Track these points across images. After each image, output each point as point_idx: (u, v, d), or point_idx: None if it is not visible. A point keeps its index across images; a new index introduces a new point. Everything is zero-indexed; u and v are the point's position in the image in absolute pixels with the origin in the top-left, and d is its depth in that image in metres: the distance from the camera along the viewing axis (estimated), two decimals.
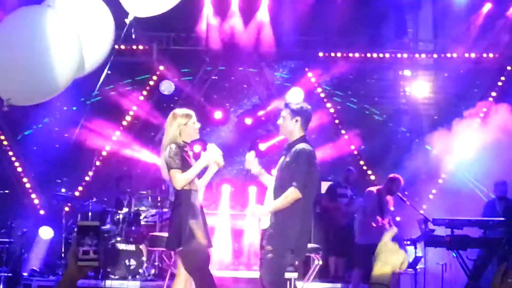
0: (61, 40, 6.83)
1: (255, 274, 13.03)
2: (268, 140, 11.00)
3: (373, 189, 12.63)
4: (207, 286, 7.77)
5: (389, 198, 12.44)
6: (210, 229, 13.53)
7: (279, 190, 7.64)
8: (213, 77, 16.45)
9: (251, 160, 7.92)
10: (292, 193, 7.46)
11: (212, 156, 7.89)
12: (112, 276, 12.07)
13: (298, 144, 7.63)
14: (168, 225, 8.16)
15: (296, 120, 7.71)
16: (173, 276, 11.10)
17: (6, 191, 14.26)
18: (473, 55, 16.02)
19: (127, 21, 7.48)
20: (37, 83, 6.89)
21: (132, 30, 7.65)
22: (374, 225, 11.96)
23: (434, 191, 15.14)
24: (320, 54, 16.23)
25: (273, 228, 7.62)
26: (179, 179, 7.66)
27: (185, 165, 7.73)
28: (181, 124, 7.84)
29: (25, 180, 14.95)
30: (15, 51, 6.72)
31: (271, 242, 7.57)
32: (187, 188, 7.75)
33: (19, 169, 15.00)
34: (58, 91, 7.22)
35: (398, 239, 12.00)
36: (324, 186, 14.27)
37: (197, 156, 8.10)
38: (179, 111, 8.05)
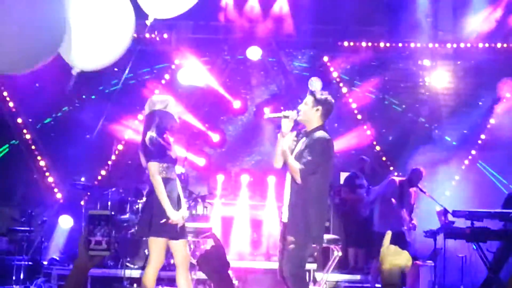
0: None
1: (274, 264, 13.10)
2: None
3: (396, 179, 12.62)
4: None
5: (412, 190, 12.42)
6: (229, 219, 13.70)
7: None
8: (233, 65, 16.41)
9: (293, 116, 7.89)
10: (296, 170, 7.50)
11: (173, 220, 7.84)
12: (131, 266, 12.09)
13: (316, 132, 7.65)
14: (142, 211, 8.15)
15: (317, 109, 7.73)
16: (192, 266, 11.18)
17: (26, 180, 14.36)
18: (493, 44, 15.90)
19: (148, 23, 7.45)
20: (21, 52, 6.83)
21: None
22: (394, 211, 11.99)
23: (453, 182, 15.07)
24: (339, 43, 16.16)
25: (294, 220, 7.64)
26: (153, 173, 7.68)
27: (164, 155, 7.73)
28: (159, 109, 7.82)
29: (44, 168, 14.97)
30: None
31: (293, 234, 7.60)
32: (163, 176, 7.77)
33: (39, 157, 15.02)
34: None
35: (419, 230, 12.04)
36: (343, 176, 14.25)
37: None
38: (156, 96, 8.05)
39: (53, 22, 6.71)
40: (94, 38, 6.61)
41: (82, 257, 3.66)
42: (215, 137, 15.95)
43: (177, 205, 7.89)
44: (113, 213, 3.41)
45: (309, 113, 7.78)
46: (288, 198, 7.79)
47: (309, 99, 7.82)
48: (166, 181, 7.78)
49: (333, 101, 7.90)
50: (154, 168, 7.69)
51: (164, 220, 7.70)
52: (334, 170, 13.19)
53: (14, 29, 6.34)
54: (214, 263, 3.54)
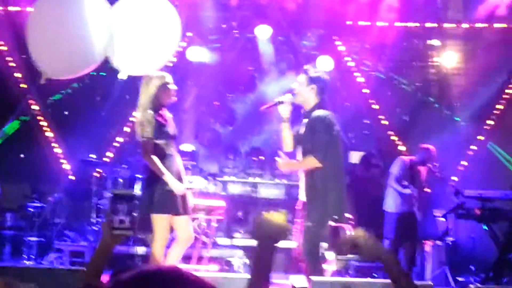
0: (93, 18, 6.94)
1: (285, 243, 13.13)
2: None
3: (406, 158, 12.62)
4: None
5: (421, 168, 12.41)
6: (240, 197, 13.70)
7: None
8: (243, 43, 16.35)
9: (289, 100, 7.86)
10: (309, 162, 7.51)
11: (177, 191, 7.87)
12: (144, 243, 12.11)
13: (315, 111, 7.63)
14: (142, 189, 8.17)
15: (312, 88, 7.71)
16: (204, 244, 11.21)
17: (37, 156, 14.36)
18: (504, 25, 15.82)
19: (119, 77, 7.56)
20: (72, 57, 6.98)
21: None
22: (403, 191, 12.00)
23: (464, 163, 15.07)
24: (348, 22, 16.10)
25: (312, 200, 7.66)
26: (146, 151, 7.69)
27: (160, 132, 7.76)
28: (155, 85, 7.82)
29: (55, 145, 14.97)
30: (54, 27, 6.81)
31: (313, 213, 7.62)
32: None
33: (49, 134, 15.01)
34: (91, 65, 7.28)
35: (428, 210, 12.08)
36: (355, 155, 14.25)
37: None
38: (153, 73, 8.04)
39: (99, 34, 6.86)
40: (143, 47, 6.76)
41: (105, 236, 3.67)
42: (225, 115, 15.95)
43: (177, 179, 7.91)
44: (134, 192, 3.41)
45: (304, 92, 7.75)
46: (304, 178, 7.80)
47: (302, 78, 7.79)
48: (165, 157, 7.80)
49: (327, 77, 7.88)
50: (147, 147, 7.69)
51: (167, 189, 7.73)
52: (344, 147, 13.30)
53: (65, 38, 6.49)
54: None
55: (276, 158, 7.89)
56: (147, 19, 6.98)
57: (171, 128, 7.98)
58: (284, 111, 7.82)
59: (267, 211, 3.67)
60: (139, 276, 2.17)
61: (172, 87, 7.99)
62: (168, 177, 7.76)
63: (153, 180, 7.82)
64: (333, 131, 7.62)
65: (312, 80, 7.73)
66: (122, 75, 7.33)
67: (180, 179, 8.02)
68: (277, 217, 3.64)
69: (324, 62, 15.37)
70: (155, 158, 7.68)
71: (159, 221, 7.82)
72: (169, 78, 7.95)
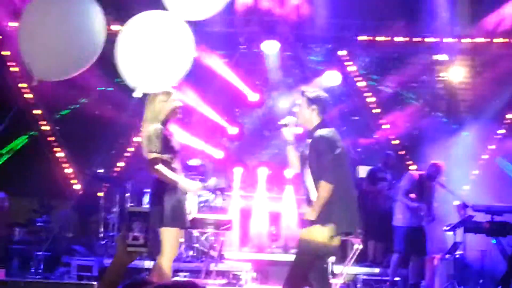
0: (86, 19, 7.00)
1: (292, 257, 13.12)
2: None
3: (415, 173, 12.62)
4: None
5: (430, 184, 12.40)
6: (247, 212, 13.73)
7: (316, 184, 7.67)
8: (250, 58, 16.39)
9: (292, 122, 7.88)
10: (324, 189, 7.46)
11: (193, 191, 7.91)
12: (151, 257, 12.10)
13: (316, 131, 7.62)
14: (150, 203, 8.16)
15: (313, 109, 7.68)
16: (212, 258, 11.22)
17: (45, 171, 14.40)
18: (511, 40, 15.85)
19: (135, 95, 7.63)
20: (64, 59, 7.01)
21: None
22: (411, 205, 12.00)
23: (472, 177, 15.05)
24: (356, 37, 16.14)
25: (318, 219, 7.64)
26: (157, 169, 7.69)
27: (166, 147, 7.76)
28: (161, 101, 7.86)
29: (62, 159, 15.01)
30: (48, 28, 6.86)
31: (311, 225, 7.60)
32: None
33: (57, 149, 15.06)
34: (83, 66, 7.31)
35: (437, 225, 12.05)
36: (363, 170, 14.26)
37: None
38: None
39: (91, 35, 6.92)
40: (158, 66, 6.81)
41: (120, 253, 3.68)
42: (233, 130, 15.94)
43: (182, 193, 7.93)
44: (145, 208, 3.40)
45: (305, 114, 7.74)
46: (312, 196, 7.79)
47: (302, 100, 7.78)
48: (172, 170, 7.83)
49: (326, 95, 7.87)
50: (156, 161, 7.70)
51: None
52: (352, 163, 13.24)
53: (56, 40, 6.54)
54: None
55: (304, 213, 7.87)
56: (161, 37, 6.99)
57: (176, 144, 8.00)
58: (288, 134, 7.83)
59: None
60: None
61: (177, 103, 8.02)
62: (181, 181, 7.80)
63: (162, 194, 7.82)
64: (336, 148, 7.60)
65: (312, 101, 7.72)
66: (137, 94, 7.36)
67: (184, 194, 8.04)
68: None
69: (332, 77, 15.41)
70: (163, 168, 7.69)
71: (170, 234, 7.80)
72: (174, 94, 7.99)
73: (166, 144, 7.77)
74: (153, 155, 7.67)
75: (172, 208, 7.73)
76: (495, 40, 15.82)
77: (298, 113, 7.78)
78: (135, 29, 7.01)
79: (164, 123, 7.88)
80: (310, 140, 7.70)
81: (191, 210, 8.19)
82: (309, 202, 7.70)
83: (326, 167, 7.45)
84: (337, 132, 7.80)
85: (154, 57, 6.88)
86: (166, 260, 7.77)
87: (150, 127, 7.75)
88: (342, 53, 16.28)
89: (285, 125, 7.78)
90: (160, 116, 7.84)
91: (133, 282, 3.53)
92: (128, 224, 3.57)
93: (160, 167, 7.65)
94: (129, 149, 14.86)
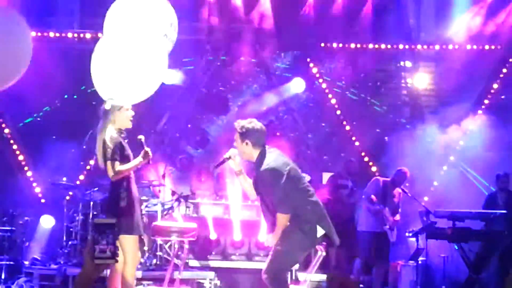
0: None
1: (255, 264, 13.12)
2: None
3: (380, 179, 12.65)
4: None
5: (396, 191, 12.45)
6: (213, 219, 13.68)
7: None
8: (216, 65, 16.39)
9: (235, 154, 7.85)
10: (281, 221, 7.49)
11: (149, 156, 7.92)
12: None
13: (259, 165, 7.56)
14: (107, 211, 8.12)
15: (247, 143, 7.62)
16: (176, 266, 11.17)
17: (8, 180, 14.30)
18: (475, 46, 15.98)
19: (106, 107, 7.70)
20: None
21: None
22: (371, 207, 12.05)
23: (435, 183, 15.13)
24: (322, 44, 16.19)
25: (284, 234, 7.63)
26: (117, 171, 7.69)
27: (122, 155, 7.77)
28: (114, 111, 7.88)
29: (26, 168, 14.93)
30: None
31: (282, 238, 7.59)
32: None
33: (21, 157, 14.97)
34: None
35: (401, 231, 12.10)
36: (326, 177, 14.27)
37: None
38: (111, 99, 8.08)
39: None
40: (131, 80, 6.83)
41: (87, 266, 3.66)
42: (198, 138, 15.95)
43: (138, 201, 7.94)
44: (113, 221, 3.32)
45: (243, 149, 7.68)
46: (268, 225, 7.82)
47: (236, 137, 7.74)
48: (127, 179, 7.83)
49: (257, 125, 7.69)
50: (114, 167, 7.70)
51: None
52: (315, 169, 13.25)
53: None
54: None
55: (265, 242, 7.89)
56: (136, 52, 7.01)
57: (129, 152, 8.01)
58: (235, 165, 7.80)
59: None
60: None
61: (130, 112, 8.03)
62: (136, 161, 7.84)
63: (115, 202, 7.79)
64: (282, 176, 7.55)
65: (243, 135, 7.67)
66: (107, 105, 7.43)
67: (139, 201, 8.05)
68: None
69: (297, 84, 15.46)
70: (121, 167, 7.70)
71: (131, 242, 7.75)
72: (127, 103, 8.00)
73: (122, 153, 7.77)
74: (110, 162, 7.67)
75: (131, 215, 7.71)
76: (460, 47, 15.96)
77: (238, 151, 7.75)
78: (113, 42, 7.02)
79: (118, 131, 7.89)
80: (256, 174, 7.68)
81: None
82: (271, 226, 7.74)
83: (279, 200, 7.45)
84: (281, 154, 7.74)
85: (129, 71, 6.90)
86: (130, 268, 7.71)
87: (105, 136, 7.75)
88: (308, 60, 16.31)
89: (229, 158, 7.75)
90: (114, 124, 7.84)
91: None
92: (94, 237, 3.55)
93: (119, 168, 7.66)
94: (93, 157, 14.74)
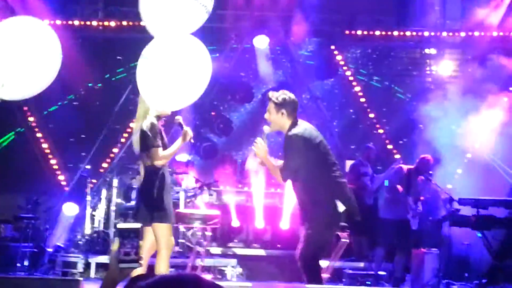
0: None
1: (278, 252, 13.14)
2: None
3: (404, 167, 12.59)
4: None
5: (419, 179, 12.38)
6: (236, 207, 13.72)
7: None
8: (240, 53, 16.36)
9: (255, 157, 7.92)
10: (278, 175, 7.65)
11: (190, 135, 7.93)
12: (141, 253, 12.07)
13: (289, 132, 7.63)
14: (140, 200, 8.18)
15: (282, 113, 7.67)
16: (198, 253, 11.21)
17: (32, 168, 14.40)
18: (501, 33, 15.81)
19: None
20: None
21: None
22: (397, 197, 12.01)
23: (459, 171, 15.02)
24: (346, 32, 16.12)
25: (307, 215, 7.68)
26: (161, 157, 7.75)
27: (162, 142, 7.82)
28: None
29: (50, 156, 15.02)
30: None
31: (309, 220, 7.64)
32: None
33: (44, 145, 15.07)
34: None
35: (424, 218, 12.04)
36: (348, 165, 14.22)
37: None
38: None
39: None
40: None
41: (112, 270, 3.67)
42: (221, 125, 15.91)
43: (170, 192, 8.03)
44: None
45: (276, 119, 7.74)
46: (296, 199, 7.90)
47: (270, 106, 7.77)
48: (162, 168, 7.86)
49: (292, 96, 7.83)
50: (156, 155, 7.76)
51: None
52: (338, 157, 13.22)
53: None
54: None
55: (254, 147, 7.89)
56: (180, 62, 7.06)
57: (165, 140, 8.04)
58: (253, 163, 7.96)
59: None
60: (159, 282, 2.16)
61: None
62: (178, 143, 7.94)
63: (151, 190, 7.85)
64: (306, 148, 7.61)
65: (279, 105, 7.72)
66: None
67: (171, 189, 8.11)
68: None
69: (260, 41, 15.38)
70: (164, 153, 7.78)
71: (165, 230, 7.83)
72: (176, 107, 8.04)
73: (161, 140, 7.83)
74: (155, 149, 7.73)
75: (166, 204, 7.77)
76: (485, 34, 15.79)
77: (269, 119, 7.78)
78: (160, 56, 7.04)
79: (156, 119, 7.92)
80: (285, 141, 7.73)
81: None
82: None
83: (288, 166, 7.56)
84: (313, 128, 7.81)
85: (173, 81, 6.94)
86: (163, 256, 7.81)
87: (144, 123, 7.79)
88: (332, 47, 16.24)
89: (266, 135, 7.82)
90: (151, 112, 7.86)
91: (138, 275, 3.52)
92: (119, 241, 3.57)
93: (163, 153, 7.72)
94: (117, 144, 14.82)
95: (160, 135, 7.83)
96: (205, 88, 7.27)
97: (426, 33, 16.20)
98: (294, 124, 7.70)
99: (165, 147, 7.90)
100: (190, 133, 7.93)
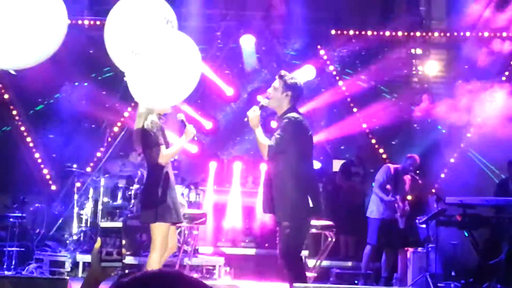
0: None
1: (265, 251, 13.16)
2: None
3: (391, 166, 12.63)
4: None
5: (406, 178, 12.43)
6: (222, 206, 13.72)
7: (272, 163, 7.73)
8: (226, 52, 16.35)
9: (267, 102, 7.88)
10: (263, 147, 7.61)
11: (193, 132, 7.94)
12: (124, 252, 12.05)
13: (287, 114, 7.65)
14: (143, 199, 8.21)
15: (287, 94, 7.71)
16: (185, 252, 11.20)
17: (18, 167, 14.34)
18: (486, 34, 15.88)
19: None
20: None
21: None
22: (385, 198, 12.01)
23: (446, 170, 15.09)
24: (332, 31, 16.15)
25: (280, 207, 7.68)
26: (165, 155, 7.75)
27: (164, 140, 7.82)
28: None
29: (37, 155, 14.96)
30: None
31: (286, 219, 7.63)
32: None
33: (31, 144, 15.01)
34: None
35: (410, 217, 12.08)
36: (337, 164, 14.26)
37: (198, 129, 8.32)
38: None
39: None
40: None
41: (94, 269, 3.66)
42: (208, 125, 15.89)
43: (174, 190, 8.00)
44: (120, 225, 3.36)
45: (279, 98, 7.76)
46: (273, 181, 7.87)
47: (278, 83, 7.79)
48: (165, 166, 7.86)
49: (302, 84, 7.90)
50: (164, 152, 7.78)
51: None
52: (326, 157, 13.22)
53: None
54: None
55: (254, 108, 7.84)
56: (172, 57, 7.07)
57: (167, 138, 8.05)
58: (257, 117, 7.80)
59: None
60: (141, 278, 2.16)
61: None
62: (182, 140, 8.01)
63: (157, 188, 7.85)
64: (299, 135, 7.64)
65: (288, 87, 7.74)
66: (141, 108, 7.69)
67: (174, 187, 8.11)
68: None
69: (307, 71, 15.42)
70: (168, 151, 7.79)
71: (161, 229, 7.82)
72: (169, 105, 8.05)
73: (163, 138, 7.84)
74: (157, 148, 7.74)
75: (165, 203, 7.77)
76: (471, 34, 15.85)
77: (271, 96, 7.79)
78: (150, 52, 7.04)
79: (157, 116, 7.93)
80: (277, 124, 7.76)
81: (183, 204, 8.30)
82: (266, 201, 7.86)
83: (277, 140, 7.55)
84: (307, 121, 7.84)
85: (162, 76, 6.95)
86: (156, 255, 7.80)
87: (147, 121, 7.79)
88: (319, 47, 16.25)
89: (262, 106, 7.79)
90: (154, 110, 7.86)
91: (125, 273, 3.53)
92: (101, 241, 3.56)
93: (166, 152, 7.71)
94: (103, 145, 14.80)
95: (162, 133, 7.83)
96: (195, 85, 7.31)
97: (411, 33, 16.25)
98: (292, 109, 7.74)
99: (167, 145, 7.91)
100: (193, 130, 7.95)
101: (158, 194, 7.81)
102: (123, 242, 3.62)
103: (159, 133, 7.76)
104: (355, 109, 15.98)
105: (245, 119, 7.74)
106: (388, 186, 12.30)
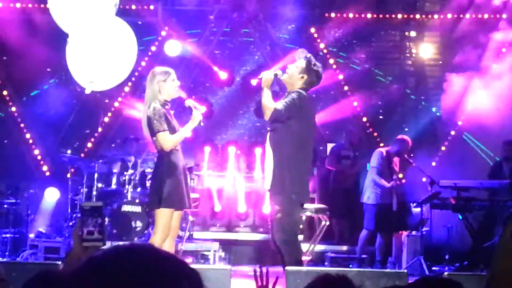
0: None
1: (260, 236, 13.17)
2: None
3: (382, 150, 12.60)
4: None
5: (397, 159, 12.43)
6: (218, 191, 13.71)
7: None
8: (219, 38, 16.28)
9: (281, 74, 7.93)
10: (268, 108, 7.65)
11: (199, 118, 7.94)
12: (118, 238, 12.08)
13: (297, 90, 7.70)
14: (150, 185, 8.28)
15: (303, 77, 7.76)
16: (180, 238, 11.21)
17: (12, 153, 14.33)
18: (480, 16, 15.82)
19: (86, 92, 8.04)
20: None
21: None
22: (387, 185, 12.02)
23: (440, 153, 15.08)
24: (326, 14, 16.10)
25: (274, 188, 7.71)
26: (169, 141, 7.76)
27: (169, 126, 7.82)
28: (160, 81, 7.90)
29: (30, 141, 14.93)
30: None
31: (278, 203, 7.66)
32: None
33: (25, 131, 14.98)
34: None
35: (404, 201, 12.11)
36: (330, 148, 14.24)
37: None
38: (158, 68, 8.12)
39: None
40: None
41: (76, 249, 3.66)
42: (202, 109, 15.83)
43: (182, 174, 7.99)
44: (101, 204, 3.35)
45: (294, 77, 7.82)
46: (268, 166, 7.89)
47: (301, 63, 7.83)
48: (171, 152, 7.86)
49: (321, 73, 7.94)
50: (168, 138, 7.78)
51: None
52: (320, 140, 13.21)
53: None
54: None
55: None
56: (105, 40, 7.20)
57: (175, 122, 8.06)
58: (267, 79, 7.86)
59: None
60: (112, 253, 2.16)
61: (176, 83, 8.06)
62: (187, 128, 7.99)
63: (162, 174, 7.88)
64: (304, 110, 7.68)
65: (307, 70, 7.81)
66: (87, 91, 7.65)
67: (185, 173, 8.12)
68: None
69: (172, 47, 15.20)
70: (172, 137, 7.79)
71: (164, 215, 7.86)
72: (172, 73, 8.03)
73: (168, 125, 7.83)
74: (161, 134, 7.73)
75: (172, 188, 7.79)
76: (464, 16, 15.78)
77: (289, 71, 7.85)
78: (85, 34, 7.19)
79: (164, 102, 7.94)
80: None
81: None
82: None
83: (285, 109, 7.57)
84: (315, 107, 7.93)
85: (101, 57, 7.07)
86: (157, 239, 7.83)
87: (149, 108, 7.80)
88: (312, 30, 16.20)
89: (276, 75, 7.85)
90: (159, 95, 7.87)
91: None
92: (82, 220, 3.56)
93: (170, 137, 7.71)
94: (97, 131, 14.79)
95: (166, 119, 7.83)
96: (132, 67, 7.51)
97: (405, 16, 16.18)
98: (304, 90, 7.74)
99: (173, 131, 7.91)
100: (199, 116, 7.97)
101: (162, 180, 7.84)
102: (106, 220, 3.64)
103: (161, 119, 7.76)
104: (348, 92, 15.92)
105: (259, 77, 7.81)
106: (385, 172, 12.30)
